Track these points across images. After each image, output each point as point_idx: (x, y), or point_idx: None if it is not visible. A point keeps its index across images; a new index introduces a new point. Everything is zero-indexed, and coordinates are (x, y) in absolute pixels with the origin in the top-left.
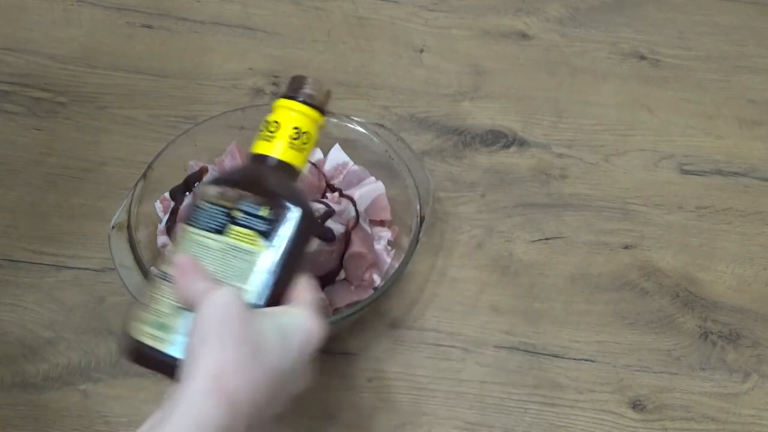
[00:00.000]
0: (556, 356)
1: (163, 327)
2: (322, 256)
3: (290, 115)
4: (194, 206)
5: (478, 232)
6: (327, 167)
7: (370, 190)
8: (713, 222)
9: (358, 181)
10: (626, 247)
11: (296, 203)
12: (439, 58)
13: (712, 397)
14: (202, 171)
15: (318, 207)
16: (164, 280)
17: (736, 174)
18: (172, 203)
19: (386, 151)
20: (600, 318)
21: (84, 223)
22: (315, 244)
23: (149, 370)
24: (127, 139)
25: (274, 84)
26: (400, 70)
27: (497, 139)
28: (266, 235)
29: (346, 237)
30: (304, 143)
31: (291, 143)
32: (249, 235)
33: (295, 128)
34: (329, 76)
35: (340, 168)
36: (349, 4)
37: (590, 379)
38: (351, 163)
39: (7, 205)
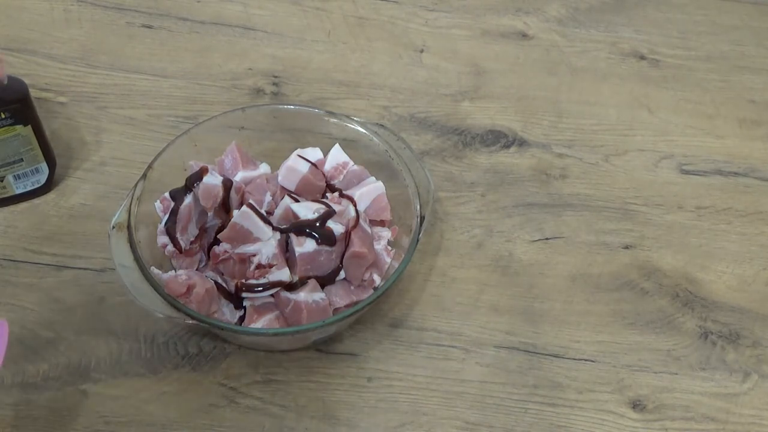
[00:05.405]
0: (556, 356)
1: None
2: (322, 256)
3: None
4: None
5: (478, 232)
6: (327, 167)
7: (370, 190)
8: (713, 222)
9: (358, 181)
10: (626, 247)
11: None
12: (439, 58)
13: (712, 397)
14: (202, 171)
15: (318, 207)
16: None
17: (736, 174)
18: (172, 203)
19: (386, 151)
20: (600, 318)
21: (84, 223)
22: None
23: (149, 371)
24: (127, 139)
25: (274, 84)
26: (400, 70)
27: (497, 139)
28: None
29: (346, 237)
30: None
31: None
32: None
33: None
34: (329, 76)
35: (340, 168)
36: (349, 4)
37: (590, 379)
38: (351, 163)
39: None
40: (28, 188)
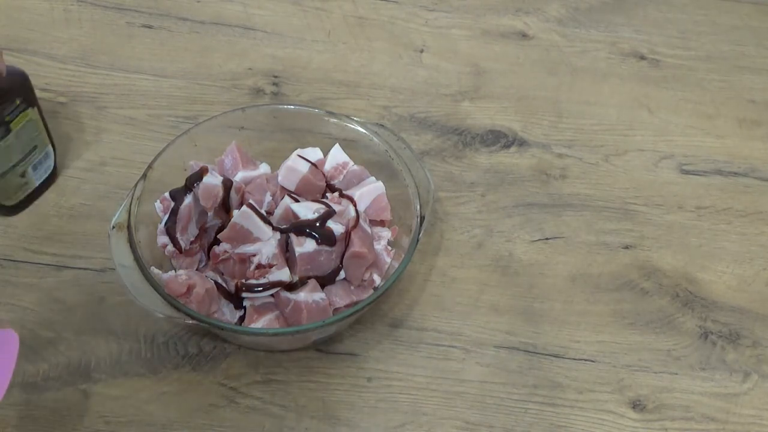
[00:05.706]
0: (556, 356)
1: None
2: (322, 256)
3: None
4: None
5: (478, 232)
6: (327, 167)
7: (370, 190)
8: (713, 222)
9: (358, 181)
10: (626, 247)
11: None
12: (439, 58)
13: (712, 397)
14: (202, 171)
15: (318, 207)
16: None
17: (736, 174)
18: (172, 203)
19: (386, 151)
20: (600, 318)
21: (84, 223)
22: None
23: (149, 371)
24: (127, 139)
25: (274, 84)
26: (400, 70)
27: (497, 139)
28: None
29: (346, 237)
30: None
31: None
32: None
33: None
34: (329, 76)
35: (340, 168)
36: (349, 4)
37: (590, 379)
38: (351, 163)
39: None
40: (43, 177)
